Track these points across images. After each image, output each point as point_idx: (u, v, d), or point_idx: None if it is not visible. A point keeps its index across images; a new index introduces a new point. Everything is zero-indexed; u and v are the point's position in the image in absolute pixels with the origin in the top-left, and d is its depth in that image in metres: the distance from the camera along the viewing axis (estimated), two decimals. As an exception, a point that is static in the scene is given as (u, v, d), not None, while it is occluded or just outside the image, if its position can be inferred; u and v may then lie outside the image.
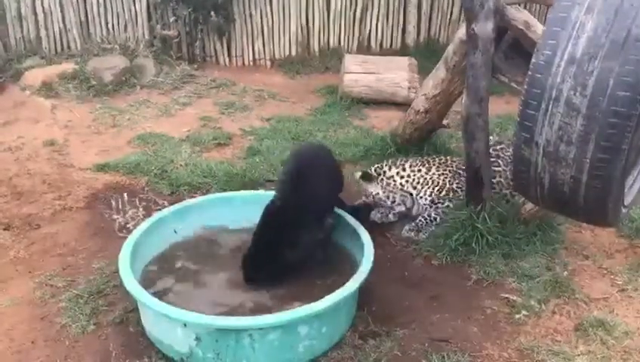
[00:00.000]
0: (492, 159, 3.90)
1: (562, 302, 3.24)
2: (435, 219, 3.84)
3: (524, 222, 3.73)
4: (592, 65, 2.42)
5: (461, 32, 3.82)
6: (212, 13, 6.99)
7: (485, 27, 3.37)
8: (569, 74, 2.46)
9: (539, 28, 3.31)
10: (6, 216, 3.92)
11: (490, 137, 4.14)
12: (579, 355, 2.85)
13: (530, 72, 2.57)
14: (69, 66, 6.50)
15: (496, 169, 3.93)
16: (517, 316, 3.13)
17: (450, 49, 4.11)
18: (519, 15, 3.43)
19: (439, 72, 4.27)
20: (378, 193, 4.00)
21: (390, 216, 4.01)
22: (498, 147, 4.06)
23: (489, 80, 3.52)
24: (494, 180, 3.89)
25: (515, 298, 3.26)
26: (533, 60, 2.57)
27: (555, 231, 3.79)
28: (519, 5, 3.52)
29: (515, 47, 3.64)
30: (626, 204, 2.86)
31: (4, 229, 3.80)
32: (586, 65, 2.43)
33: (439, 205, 3.88)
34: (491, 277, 3.41)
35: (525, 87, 2.60)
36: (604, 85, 2.40)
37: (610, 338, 2.96)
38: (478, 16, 3.34)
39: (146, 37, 7.16)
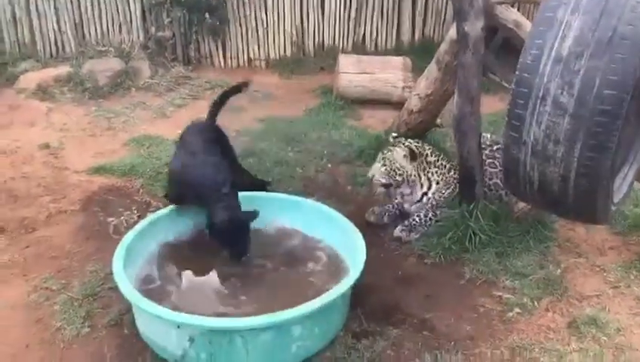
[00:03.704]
0: (489, 160, 3.90)
1: (555, 300, 3.26)
2: (431, 220, 3.80)
3: (517, 220, 3.75)
4: (579, 64, 2.43)
5: (452, 32, 3.83)
6: (206, 14, 6.98)
7: (475, 26, 3.38)
8: (556, 73, 2.47)
9: (529, 27, 3.32)
10: (1, 220, 3.92)
11: (487, 135, 4.15)
12: (571, 352, 2.87)
13: (517, 72, 2.60)
14: (64, 69, 6.49)
15: (493, 170, 3.89)
16: (510, 314, 3.14)
17: (441, 49, 4.13)
18: (509, 14, 3.45)
19: (431, 72, 4.28)
20: (412, 175, 3.87)
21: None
22: (495, 147, 4.00)
23: (480, 79, 3.54)
24: (491, 181, 3.87)
25: (508, 296, 3.27)
26: (520, 60, 2.59)
27: (548, 229, 3.80)
28: (509, 5, 3.53)
29: (506, 47, 3.66)
30: (615, 201, 2.88)
31: (-1, 233, 3.81)
32: (572, 64, 2.45)
33: (440, 207, 3.85)
34: (484, 276, 3.42)
35: (513, 86, 2.62)
36: (591, 84, 2.42)
37: (602, 335, 2.97)
38: (468, 15, 3.36)
39: (141, 39, 7.15)
